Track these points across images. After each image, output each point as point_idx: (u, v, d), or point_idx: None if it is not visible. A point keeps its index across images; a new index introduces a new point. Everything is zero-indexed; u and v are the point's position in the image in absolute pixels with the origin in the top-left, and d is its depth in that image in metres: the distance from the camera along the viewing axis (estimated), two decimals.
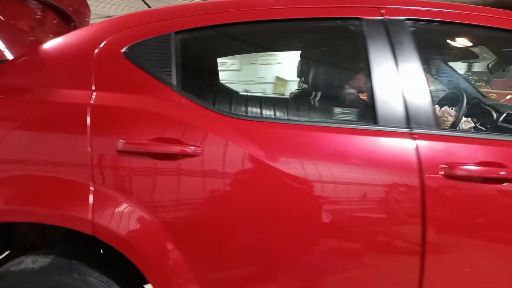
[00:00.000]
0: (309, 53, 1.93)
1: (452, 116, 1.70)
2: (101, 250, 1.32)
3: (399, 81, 1.26)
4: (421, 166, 1.17)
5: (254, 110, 1.45)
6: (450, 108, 1.74)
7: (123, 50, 1.27)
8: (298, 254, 1.21)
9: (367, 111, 1.33)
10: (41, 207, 1.18)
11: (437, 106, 1.65)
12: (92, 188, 1.16)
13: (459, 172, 1.16)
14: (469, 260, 1.21)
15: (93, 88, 1.22)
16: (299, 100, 1.79)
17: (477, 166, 1.18)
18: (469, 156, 1.19)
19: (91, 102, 1.20)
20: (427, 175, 1.16)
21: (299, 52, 1.97)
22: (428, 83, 1.29)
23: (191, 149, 1.16)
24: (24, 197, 1.18)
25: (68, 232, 1.20)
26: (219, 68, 1.69)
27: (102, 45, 1.28)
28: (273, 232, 1.20)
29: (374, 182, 1.18)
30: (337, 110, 1.40)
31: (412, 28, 1.31)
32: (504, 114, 1.67)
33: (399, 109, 1.23)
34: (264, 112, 1.43)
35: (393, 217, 1.18)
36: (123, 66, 1.26)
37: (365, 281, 1.22)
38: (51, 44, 1.33)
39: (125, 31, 1.32)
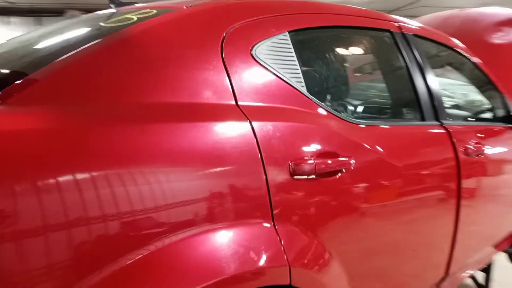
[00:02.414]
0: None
1: None
2: None
3: (429, 83, 1.54)
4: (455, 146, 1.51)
5: (370, 115, 1.52)
6: None
7: (251, 49, 1.03)
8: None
9: (416, 110, 1.53)
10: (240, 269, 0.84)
11: None
12: (277, 227, 0.93)
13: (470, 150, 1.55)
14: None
15: (236, 100, 0.95)
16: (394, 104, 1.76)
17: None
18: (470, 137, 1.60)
19: (248, 119, 0.93)
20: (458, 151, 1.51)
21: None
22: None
23: (348, 161, 1.08)
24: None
25: None
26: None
27: (226, 36, 1.00)
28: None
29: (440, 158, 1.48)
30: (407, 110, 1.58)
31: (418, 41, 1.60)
32: None
33: (431, 106, 1.53)
34: (380, 116, 1.54)
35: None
36: (257, 69, 1.03)
37: None
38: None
39: (248, 21, 1.07)
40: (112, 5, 1.43)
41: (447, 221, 1.52)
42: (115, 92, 0.83)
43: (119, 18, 1.07)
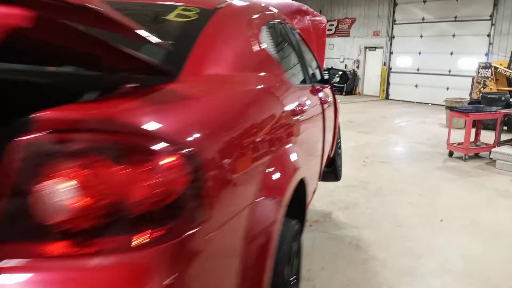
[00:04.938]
0: None
1: None
2: None
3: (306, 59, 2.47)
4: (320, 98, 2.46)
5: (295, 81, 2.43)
6: None
7: (260, 30, 1.76)
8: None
9: (305, 78, 2.43)
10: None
11: None
12: None
13: (323, 100, 2.58)
14: None
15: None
16: None
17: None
18: (320, 92, 2.57)
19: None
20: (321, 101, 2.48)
21: None
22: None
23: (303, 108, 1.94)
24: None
25: None
26: None
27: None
28: None
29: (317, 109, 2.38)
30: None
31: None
32: None
33: (308, 75, 2.44)
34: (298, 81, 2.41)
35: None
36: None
37: None
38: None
39: (255, 17, 1.81)
40: None
41: (320, 135, 2.50)
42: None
43: (176, 13, 1.45)
